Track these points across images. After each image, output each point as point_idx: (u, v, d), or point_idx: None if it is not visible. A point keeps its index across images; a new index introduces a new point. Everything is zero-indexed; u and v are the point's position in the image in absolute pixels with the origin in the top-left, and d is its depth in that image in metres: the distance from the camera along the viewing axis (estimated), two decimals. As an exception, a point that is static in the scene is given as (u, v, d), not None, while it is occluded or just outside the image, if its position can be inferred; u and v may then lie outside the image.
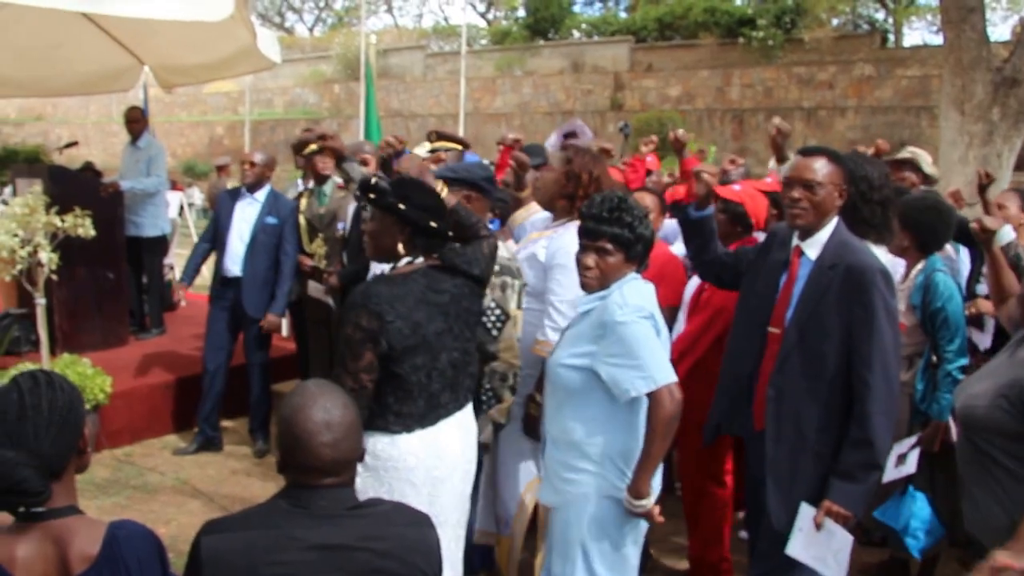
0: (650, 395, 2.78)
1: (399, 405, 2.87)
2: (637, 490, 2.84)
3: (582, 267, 2.97)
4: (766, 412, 3.14)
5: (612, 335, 2.82)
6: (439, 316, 2.91)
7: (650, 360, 2.77)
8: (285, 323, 8.01)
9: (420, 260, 2.98)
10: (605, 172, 3.81)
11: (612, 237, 2.89)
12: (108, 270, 7.21)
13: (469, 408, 3.14)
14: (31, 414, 1.94)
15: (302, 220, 6.13)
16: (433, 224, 2.93)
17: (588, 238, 2.94)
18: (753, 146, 20.28)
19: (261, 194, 6.09)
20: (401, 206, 2.90)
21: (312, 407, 2.06)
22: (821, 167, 3.11)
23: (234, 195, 6.14)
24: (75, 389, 2.04)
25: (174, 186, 13.10)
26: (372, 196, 2.95)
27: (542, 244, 3.69)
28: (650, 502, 2.86)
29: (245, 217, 6.03)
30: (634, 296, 2.86)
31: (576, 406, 2.93)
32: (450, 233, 3.01)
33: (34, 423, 1.93)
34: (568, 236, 3.53)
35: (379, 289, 2.84)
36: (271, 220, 6.03)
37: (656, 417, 2.77)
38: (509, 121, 23.03)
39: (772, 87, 20.99)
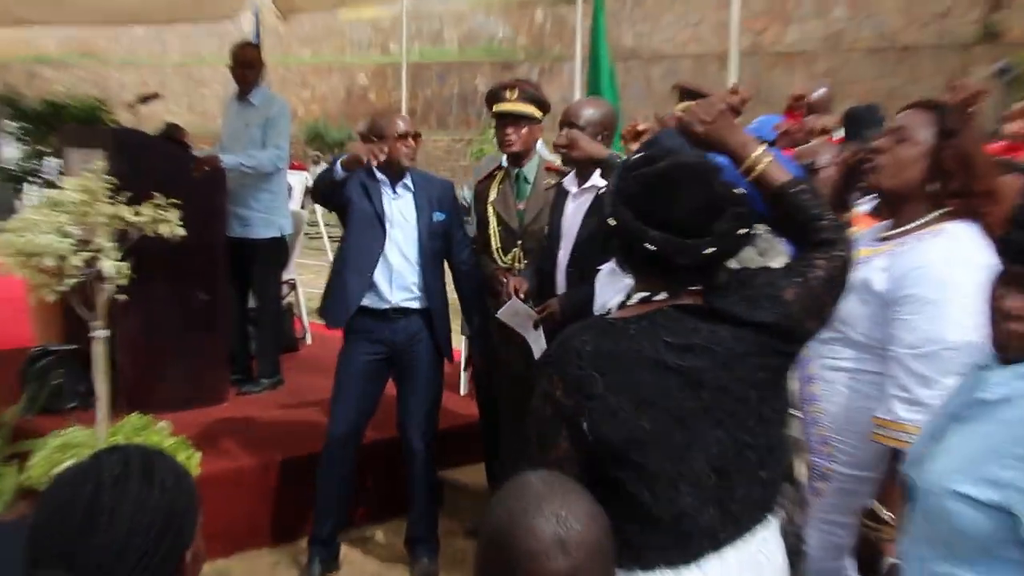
0: None
1: (628, 529, 2.79)
2: None
3: (1004, 311, 2.77)
4: None
5: None
6: (685, 389, 2.83)
7: None
8: (463, 377, 8.04)
9: (662, 295, 2.94)
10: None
11: None
12: (200, 288, 7.44)
13: (768, 534, 3.01)
14: (104, 521, 1.95)
15: (492, 219, 6.23)
16: (649, 245, 2.84)
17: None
18: None
19: (407, 178, 6.22)
20: (611, 220, 2.92)
21: (538, 516, 2.08)
22: None
23: (365, 186, 6.20)
24: (185, 483, 2.09)
25: (293, 164, 13.55)
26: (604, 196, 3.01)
27: (878, 264, 3.67)
28: None
29: (397, 216, 6.20)
30: None
31: (980, 561, 2.71)
32: (706, 253, 2.87)
33: (108, 535, 1.95)
34: (933, 249, 3.54)
35: (584, 341, 2.85)
36: (439, 216, 6.21)
37: None
38: (808, 64, 22.63)
39: None
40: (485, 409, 6.81)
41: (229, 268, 7.87)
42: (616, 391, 2.78)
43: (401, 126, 6.12)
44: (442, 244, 6.26)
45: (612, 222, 2.89)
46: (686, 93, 6.56)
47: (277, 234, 8.26)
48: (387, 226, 6.14)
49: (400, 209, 6.19)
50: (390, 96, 27.38)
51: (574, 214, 5.71)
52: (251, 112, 8.17)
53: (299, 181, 12.80)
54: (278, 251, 8.38)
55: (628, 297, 2.99)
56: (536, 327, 5.68)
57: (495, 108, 6.22)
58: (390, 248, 6.16)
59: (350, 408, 6.21)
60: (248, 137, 8.06)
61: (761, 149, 3.21)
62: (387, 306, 6.17)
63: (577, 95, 9.66)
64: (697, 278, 2.91)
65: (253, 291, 8.34)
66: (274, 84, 13.24)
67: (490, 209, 6.27)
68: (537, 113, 6.12)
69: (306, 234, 12.27)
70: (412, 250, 6.19)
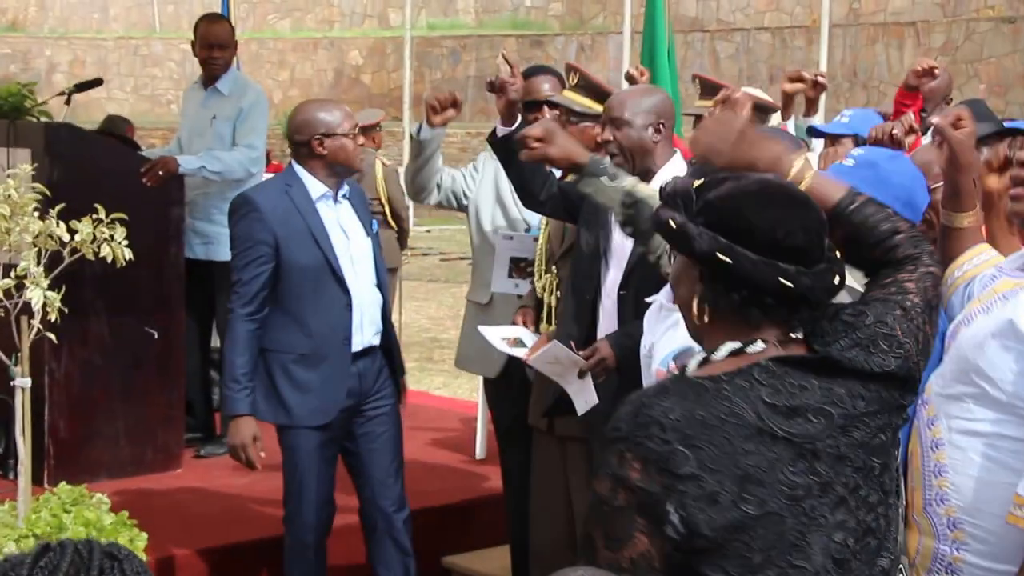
0: None
1: None
2: None
3: None
4: None
5: None
6: (797, 462, 2.84)
7: None
8: (480, 439, 8.09)
9: (759, 346, 2.93)
10: None
11: None
12: (150, 324, 7.47)
13: None
14: None
15: (543, 231, 6.35)
16: (787, 282, 2.86)
17: None
18: None
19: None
20: (724, 258, 2.87)
21: None
22: None
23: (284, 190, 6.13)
24: None
25: (269, 165, 13.54)
26: (669, 230, 2.96)
27: None
28: None
29: (346, 230, 6.19)
30: None
31: None
32: (836, 282, 2.94)
33: None
34: None
35: (667, 408, 2.81)
36: (374, 223, 6.32)
37: None
38: (921, 37, 22.57)
39: None
40: (512, 477, 6.81)
41: (188, 298, 7.89)
42: (713, 469, 2.76)
43: (351, 120, 6.12)
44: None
45: (725, 260, 2.86)
46: (707, 86, 6.61)
47: (248, 256, 8.19)
48: (339, 258, 6.10)
49: (346, 219, 6.20)
50: (389, 78, 27.47)
51: None
52: (219, 103, 8.21)
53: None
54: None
55: (712, 351, 2.97)
56: (582, 376, 5.58)
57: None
58: (351, 274, 6.14)
59: (315, 483, 6.17)
60: (214, 134, 8.10)
61: (801, 161, 3.28)
62: (355, 349, 6.17)
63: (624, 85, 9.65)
64: (810, 319, 2.95)
65: (218, 327, 8.30)
66: (245, 64, 13.28)
67: (543, 221, 6.39)
68: (597, 108, 6.06)
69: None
70: (369, 269, 6.22)
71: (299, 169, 6.07)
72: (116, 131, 9.06)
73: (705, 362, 2.97)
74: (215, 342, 8.42)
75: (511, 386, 6.51)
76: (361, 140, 6.11)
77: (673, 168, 5.48)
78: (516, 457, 6.67)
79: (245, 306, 6.05)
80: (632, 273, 5.58)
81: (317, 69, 30.56)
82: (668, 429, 2.76)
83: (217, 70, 8.25)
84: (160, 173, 7.45)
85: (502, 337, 5.99)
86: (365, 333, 6.18)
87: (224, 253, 7.98)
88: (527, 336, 6.03)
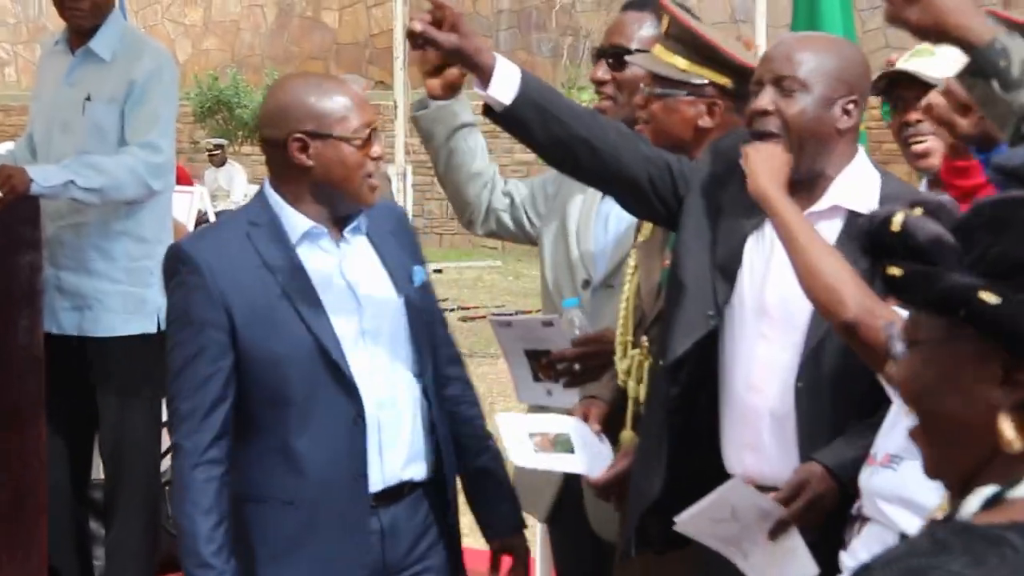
0: None
1: None
2: None
3: None
4: None
5: None
6: None
7: None
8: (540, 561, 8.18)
9: None
10: None
11: None
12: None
13: None
14: None
15: (629, 281, 6.32)
16: None
17: None
18: None
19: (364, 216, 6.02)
20: (989, 299, 2.85)
21: None
22: None
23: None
24: None
25: (179, 175, 13.67)
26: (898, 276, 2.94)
27: None
28: None
29: (354, 285, 6.04)
30: None
31: None
32: None
33: None
34: None
35: (956, 574, 2.77)
36: (418, 274, 6.16)
37: None
38: None
39: None
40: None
41: (51, 400, 7.92)
42: None
43: (366, 112, 5.90)
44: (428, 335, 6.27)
45: (992, 300, 2.85)
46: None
47: (150, 328, 8.32)
48: (342, 339, 5.95)
49: (354, 266, 6.07)
50: (369, 19, 27.68)
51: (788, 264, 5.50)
52: (96, 74, 8.30)
53: (188, 208, 12.87)
54: (150, 362, 8.28)
55: (1008, 486, 2.93)
56: (776, 535, 5.48)
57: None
58: (362, 362, 6.00)
59: None
60: (89, 125, 8.19)
61: None
62: (374, 488, 6.06)
63: (760, 22, 9.62)
64: None
65: (101, 446, 8.41)
66: (132, 1, 13.40)
67: (629, 261, 6.36)
68: (696, 74, 6.10)
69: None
70: (399, 347, 6.10)
71: (270, 194, 5.92)
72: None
73: (996, 502, 2.92)
74: (97, 472, 8.46)
75: (567, 533, 6.64)
76: (377, 151, 5.82)
77: (857, 176, 5.51)
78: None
79: (193, 434, 5.83)
80: (823, 348, 5.49)
81: (248, 5, 30.77)
82: None
83: (83, 19, 8.30)
84: (5, 194, 7.48)
85: (531, 432, 5.98)
86: (391, 460, 6.06)
87: (110, 324, 8.12)
88: (578, 433, 6.02)
